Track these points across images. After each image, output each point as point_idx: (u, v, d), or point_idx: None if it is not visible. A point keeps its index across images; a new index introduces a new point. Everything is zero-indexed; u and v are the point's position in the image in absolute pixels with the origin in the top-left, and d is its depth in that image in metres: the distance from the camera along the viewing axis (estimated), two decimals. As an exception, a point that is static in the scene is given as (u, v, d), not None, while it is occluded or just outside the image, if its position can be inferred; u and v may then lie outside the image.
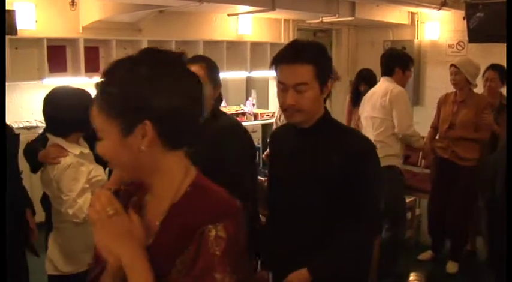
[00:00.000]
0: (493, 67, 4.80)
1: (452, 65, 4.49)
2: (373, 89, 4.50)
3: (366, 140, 2.16)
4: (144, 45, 6.28)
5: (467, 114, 4.43)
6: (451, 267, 4.64)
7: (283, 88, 1.98)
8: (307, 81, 1.93)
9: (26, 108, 5.88)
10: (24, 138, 5.36)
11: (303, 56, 1.92)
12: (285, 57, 1.97)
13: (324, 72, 1.98)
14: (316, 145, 2.06)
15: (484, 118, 4.35)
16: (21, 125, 5.54)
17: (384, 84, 4.34)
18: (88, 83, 6.05)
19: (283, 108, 2.02)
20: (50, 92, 2.65)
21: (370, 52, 9.17)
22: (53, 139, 2.60)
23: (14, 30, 5.37)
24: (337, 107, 9.56)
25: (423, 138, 4.56)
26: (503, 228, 1.99)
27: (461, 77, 4.39)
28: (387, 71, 4.35)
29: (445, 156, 4.53)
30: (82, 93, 2.60)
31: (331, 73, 2.05)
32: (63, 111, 2.52)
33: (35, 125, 5.58)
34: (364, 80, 5.60)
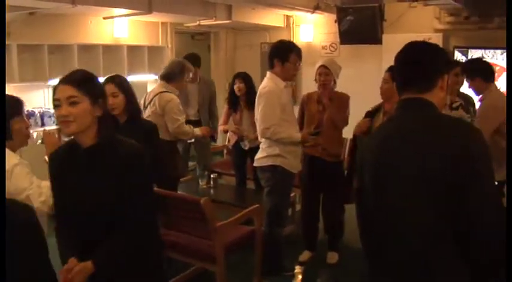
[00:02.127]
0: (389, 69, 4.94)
1: (321, 66, 4.60)
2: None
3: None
4: (14, 49, 5.97)
5: (334, 112, 4.60)
6: (332, 257, 4.86)
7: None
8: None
9: None
10: None
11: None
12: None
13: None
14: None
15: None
16: None
17: (265, 81, 4.28)
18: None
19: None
20: None
21: (248, 54, 9.36)
22: None
23: None
24: (218, 106, 9.67)
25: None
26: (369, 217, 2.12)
27: (331, 77, 4.58)
28: (269, 65, 4.27)
29: (315, 154, 4.67)
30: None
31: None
32: None
33: None
34: (238, 78, 5.61)
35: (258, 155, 4.36)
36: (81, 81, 2.18)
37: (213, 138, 6.45)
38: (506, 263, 1.78)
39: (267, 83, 4.21)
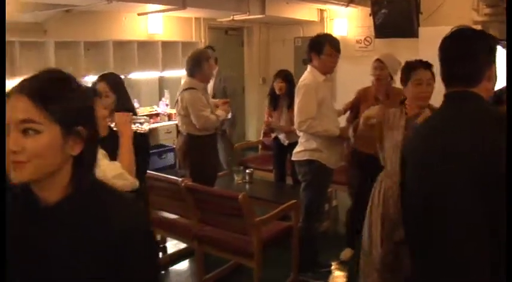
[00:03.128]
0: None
1: (377, 60, 4.47)
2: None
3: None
4: (51, 46, 6.05)
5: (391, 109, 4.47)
6: None
7: None
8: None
9: None
10: None
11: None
12: None
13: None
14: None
15: None
16: None
17: (304, 73, 4.24)
18: (-9, 88, 5.76)
19: None
20: None
21: (281, 49, 9.32)
22: None
23: None
24: (250, 103, 9.67)
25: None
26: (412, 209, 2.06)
27: (385, 72, 4.45)
28: (308, 59, 4.23)
29: (370, 151, 4.39)
30: None
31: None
32: None
33: None
34: (279, 76, 5.55)
35: (296, 149, 4.33)
36: (48, 92, 1.27)
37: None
38: (506, 262, 1.75)
39: (305, 76, 4.18)
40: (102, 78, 3.44)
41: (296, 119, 4.17)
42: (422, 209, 2.00)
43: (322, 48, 4.11)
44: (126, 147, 2.68)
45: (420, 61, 3.26)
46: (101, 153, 2.58)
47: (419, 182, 2.03)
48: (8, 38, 5.79)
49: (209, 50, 5.58)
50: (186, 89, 4.69)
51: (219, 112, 4.86)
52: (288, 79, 5.45)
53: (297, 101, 4.17)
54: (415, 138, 2.15)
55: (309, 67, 4.22)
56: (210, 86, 5.95)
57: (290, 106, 5.01)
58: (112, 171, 2.46)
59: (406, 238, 2.24)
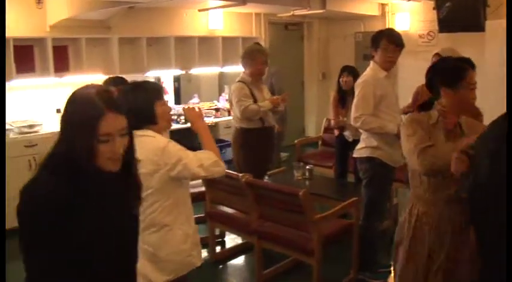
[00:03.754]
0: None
1: (436, 54, 4.39)
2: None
3: None
4: (114, 43, 6.19)
5: None
6: None
7: None
8: None
9: (-6, 110, 5.73)
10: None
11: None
12: None
13: None
14: None
15: None
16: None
17: (367, 71, 4.21)
18: (57, 83, 5.94)
19: None
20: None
21: (341, 44, 9.21)
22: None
23: (-22, 31, 5.23)
24: (310, 98, 9.61)
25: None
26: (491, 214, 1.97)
27: None
28: (372, 54, 4.20)
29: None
30: None
31: None
32: None
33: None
34: (346, 71, 5.46)
35: (358, 146, 4.27)
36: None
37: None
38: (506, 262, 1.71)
39: (366, 72, 4.14)
40: (110, 81, 3.53)
41: (352, 114, 4.14)
42: (496, 207, 1.90)
43: (379, 42, 4.04)
44: (207, 138, 2.79)
45: (467, 60, 2.77)
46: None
47: (493, 182, 1.93)
48: (74, 35, 5.98)
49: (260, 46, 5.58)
50: (235, 83, 4.93)
51: (263, 103, 4.90)
52: (354, 73, 5.37)
53: (355, 96, 4.13)
54: (488, 138, 2.03)
55: (371, 63, 4.17)
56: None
57: None
58: (208, 160, 2.63)
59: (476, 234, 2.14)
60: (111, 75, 3.97)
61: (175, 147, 2.62)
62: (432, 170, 2.56)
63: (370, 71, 4.10)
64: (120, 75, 3.96)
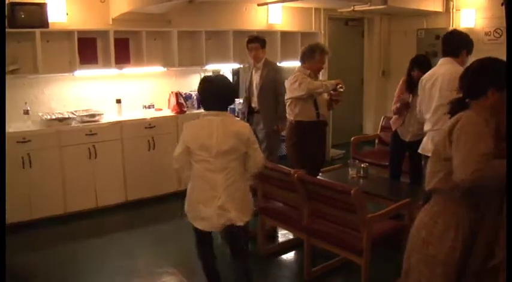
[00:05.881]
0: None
1: None
2: (434, 71, 4.35)
3: None
4: (174, 36, 6.28)
5: None
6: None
7: None
8: None
9: (58, 100, 5.92)
10: (55, 130, 5.43)
11: None
12: None
13: None
14: None
15: None
16: (54, 117, 5.56)
17: (448, 66, 4.18)
18: (119, 74, 6.09)
19: None
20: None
21: (403, 41, 9.01)
22: None
23: (45, 23, 5.41)
24: (369, 96, 9.47)
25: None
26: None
27: None
28: (454, 52, 4.23)
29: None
30: None
31: None
32: None
33: (67, 116, 5.61)
34: (418, 66, 5.23)
35: (425, 142, 4.35)
36: None
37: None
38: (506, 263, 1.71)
39: (460, 69, 3.93)
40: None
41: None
42: None
43: (471, 49, 4.27)
44: None
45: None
46: None
47: None
48: (135, 28, 6.10)
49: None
50: (294, 73, 5.08)
51: (328, 81, 5.12)
52: (424, 69, 5.12)
53: None
54: None
55: (450, 61, 4.24)
56: (258, 76, 5.86)
57: None
58: None
59: None
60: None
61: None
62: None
63: (459, 68, 3.90)
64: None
